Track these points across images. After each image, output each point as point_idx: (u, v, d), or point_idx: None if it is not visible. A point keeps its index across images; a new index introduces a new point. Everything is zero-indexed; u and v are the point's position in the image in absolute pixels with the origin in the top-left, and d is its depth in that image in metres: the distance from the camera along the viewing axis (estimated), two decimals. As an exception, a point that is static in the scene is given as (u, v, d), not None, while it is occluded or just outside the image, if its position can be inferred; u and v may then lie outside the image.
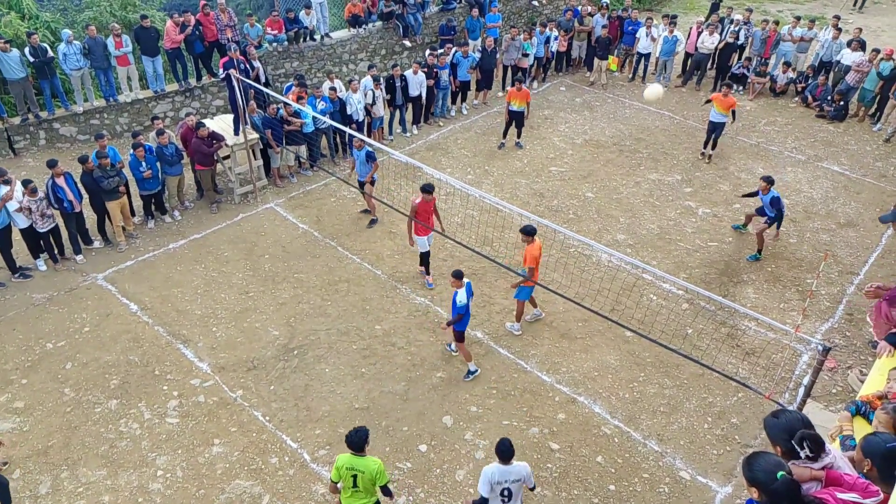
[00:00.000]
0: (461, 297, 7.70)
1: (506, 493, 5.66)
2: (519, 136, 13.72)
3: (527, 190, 12.28)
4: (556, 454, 7.39)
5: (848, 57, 14.94)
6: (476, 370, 8.32)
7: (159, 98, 13.74)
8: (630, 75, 16.96)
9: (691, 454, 7.45)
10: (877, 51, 14.55)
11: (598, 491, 7.02)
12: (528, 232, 8.27)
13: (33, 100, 12.52)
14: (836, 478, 3.83)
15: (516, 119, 13.41)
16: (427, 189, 8.95)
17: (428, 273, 9.85)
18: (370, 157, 10.68)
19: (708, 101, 13.28)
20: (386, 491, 5.85)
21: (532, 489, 6.05)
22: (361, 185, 10.98)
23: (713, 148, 13.28)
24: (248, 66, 12.12)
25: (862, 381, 7.16)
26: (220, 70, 11.77)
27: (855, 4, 20.43)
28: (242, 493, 6.89)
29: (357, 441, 5.59)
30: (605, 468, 7.27)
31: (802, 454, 3.85)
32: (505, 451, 5.56)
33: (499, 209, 10.96)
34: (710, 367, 6.76)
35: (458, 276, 7.69)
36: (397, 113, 13.85)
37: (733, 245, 10.90)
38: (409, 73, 13.45)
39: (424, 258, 9.73)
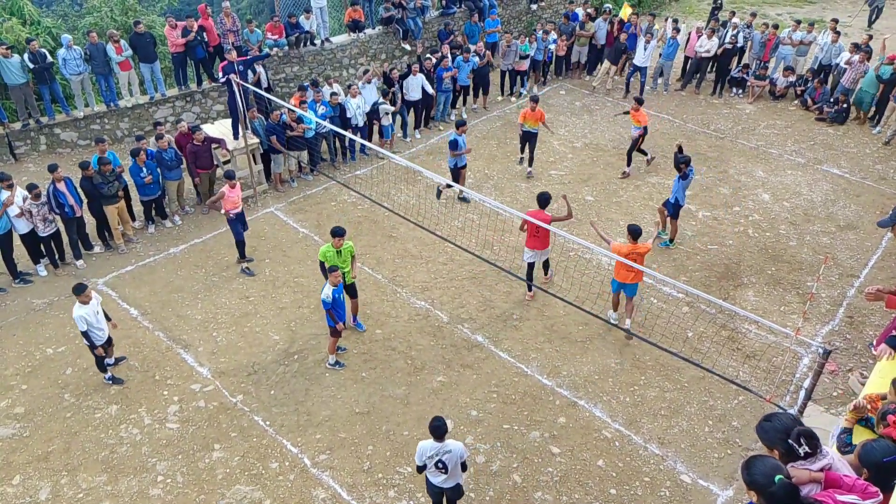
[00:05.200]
0: (327, 292, 7.74)
1: (440, 464, 5.94)
2: (531, 163, 12.81)
3: (527, 194, 12.27)
4: (557, 458, 7.38)
5: (846, 59, 14.95)
6: (336, 362, 8.43)
7: (160, 103, 13.78)
8: (625, 81, 16.67)
9: (692, 458, 7.44)
10: (868, 50, 14.55)
11: (599, 495, 7.01)
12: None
13: (34, 105, 12.55)
14: (835, 479, 3.84)
15: (529, 141, 12.57)
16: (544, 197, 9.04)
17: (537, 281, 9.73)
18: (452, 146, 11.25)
19: (626, 113, 13.00)
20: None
21: (463, 468, 6.13)
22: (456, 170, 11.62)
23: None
24: (247, 69, 12.14)
25: (862, 384, 7.15)
26: (220, 74, 11.80)
27: (869, 24, 20.53)
28: (243, 499, 6.89)
29: (336, 231, 8.18)
30: (606, 472, 7.25)
31: (801, 451, 3.86)
32: (436, 430, 5.80)
33: (499, 213, 10.97)
34: (711, 370, 6.77)
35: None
36: (398, 118, 13.87)
37: (733, 248, 10.90)
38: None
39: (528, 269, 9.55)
